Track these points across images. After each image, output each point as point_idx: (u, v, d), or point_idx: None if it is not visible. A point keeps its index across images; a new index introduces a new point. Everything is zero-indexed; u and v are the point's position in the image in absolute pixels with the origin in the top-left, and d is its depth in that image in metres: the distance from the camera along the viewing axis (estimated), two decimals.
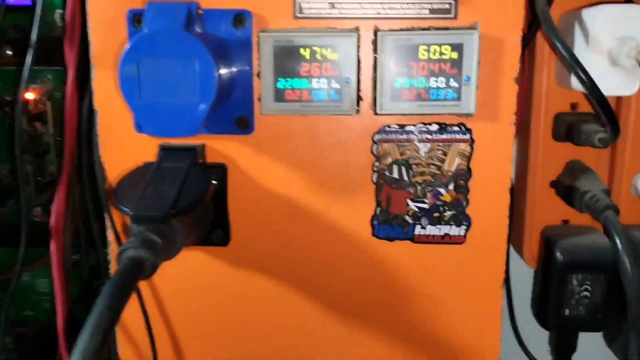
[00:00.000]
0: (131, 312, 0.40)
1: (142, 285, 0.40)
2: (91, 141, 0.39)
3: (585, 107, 0.42)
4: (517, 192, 0.45)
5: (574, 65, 0.35)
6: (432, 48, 0.35)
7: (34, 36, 0.37)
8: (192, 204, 0.33)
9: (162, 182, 0.34)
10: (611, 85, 0.36)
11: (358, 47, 0.36)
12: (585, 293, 0.41)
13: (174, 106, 0.32)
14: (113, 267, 0.40)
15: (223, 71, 0.33)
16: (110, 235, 0.39)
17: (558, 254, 0.41)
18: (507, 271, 0.47)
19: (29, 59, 0.37)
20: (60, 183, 0.39)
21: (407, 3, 0.36)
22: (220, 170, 0.38)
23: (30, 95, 0.43)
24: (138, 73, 0.32)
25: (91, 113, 0.38)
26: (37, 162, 0.45)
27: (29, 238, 0.44)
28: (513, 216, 0.47)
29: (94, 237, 0.43)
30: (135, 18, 0.36)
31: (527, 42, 0.39)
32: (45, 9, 0.42)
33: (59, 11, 0.44)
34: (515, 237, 0.46)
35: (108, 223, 0.39)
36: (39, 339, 0.48)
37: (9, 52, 0.44)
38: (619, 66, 0.36)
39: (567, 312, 0.42)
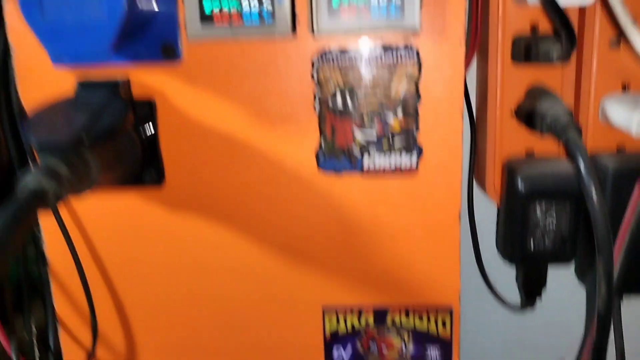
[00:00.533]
0: (63, 259, 0.37)
1: (73, 229, 0.37)
2: (8, 80, 0.36)
3: (544, 27, 0.39)
4: (479, 124, 0.43)
5: None
6: None
7: None
8: (103, 133, 0.30)
9: (74, 113, 0.31)
10: None
11: None
12: (551, 223, 0.39)
13: (80, 24, 0.29)
14: (41, 217, 0.38)
15: None
16: None
17: (521, 182, 0.38)
18: (471, 210, 0.44)
19: None
20: None
21: None
22: (147, 106, 0.35)
23: None
24: None
25: (6, 49, 0.35)
26: None
27: None
28: (475, 149, 0.44)
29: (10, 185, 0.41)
30: None
31: None
32: None
33: None
34: (478, 171, 0.44)
35: (31, 164, 0.37)
36: None
37: None
38: None
39: (532, 244, 0.39)
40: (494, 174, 0.42)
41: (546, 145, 0.41)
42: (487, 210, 0.44)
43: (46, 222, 0.37)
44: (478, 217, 0.44)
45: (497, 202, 0.43)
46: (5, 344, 0.36)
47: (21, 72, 0.35)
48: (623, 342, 0.42)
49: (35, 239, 0.38)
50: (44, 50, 0.34)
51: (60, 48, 0.30)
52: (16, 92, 0.35)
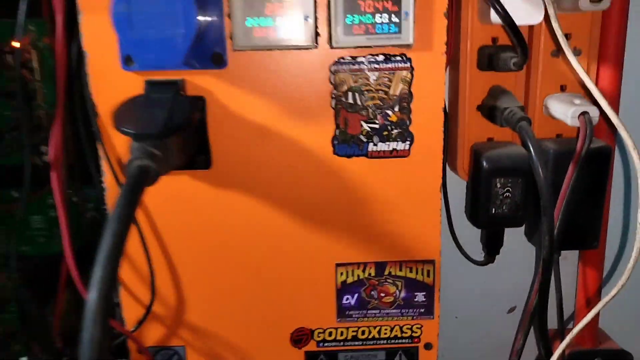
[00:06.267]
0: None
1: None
2: (82, 81, 0.43)
3: (503, 40, 0.51)
4: (450, 117, 0.54)
5: (493, 1, 0.42)
6: None
7: None
8: (182, 124, 0.39)
9: (152, 108, 0.40)
10: (521, 16, 0.44)
11: None
12: (508, 194, 0.50)
13: (161, 39, 0.38)
14: (107, 195, 0.45)
15: (199, 10, 0.39)
16: (104, 165, 0.45)
17: (484, 162, 0.49)
18: (444, 186, 0.55)
19: (21, 12, 0.42)
20: (55, 121, 0.44)
21: None
22: (200, 102, 0.44)
23: (17, 45, 0.47)
24: (129, 11, 0.37)
25: (80, 55, 0.43)
26: (25, 108, 0.49)
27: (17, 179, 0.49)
28: (447, 137, 0.55)
29: (84, 175, 0.48)
30: None
31: None
32: None
33: None
34: (449, 156, 0.54)
35: (102, 154, 0.44)
36: (38, 271, 0.52)
37: None
38: (527, 1, 0.44)
39: (493, 211, 0.51)
40: (463, 156, 0.53)
41: (503, 134, 0.52)
42: (457, 186, 0.55)
43: (112, 199, 0.45)
44: (450, 191, 0.55)
45: (465, 178, 0.54)
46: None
47: (94, 74, 0.43)
48: (561, 286, 0.55)
49: (102, 214, 0.46)
50: (113, 56, 0.42)
51: (145, 57, 0.38)
52: (89, 92, 0.43)
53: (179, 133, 0.39)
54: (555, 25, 0.43)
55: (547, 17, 0.46)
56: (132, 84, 0.43)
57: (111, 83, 0.43)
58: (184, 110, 0.40)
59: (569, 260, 0.61)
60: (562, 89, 0.52)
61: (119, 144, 0.45)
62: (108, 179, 0.45)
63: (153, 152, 0.36)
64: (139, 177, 0.34)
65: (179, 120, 0.39)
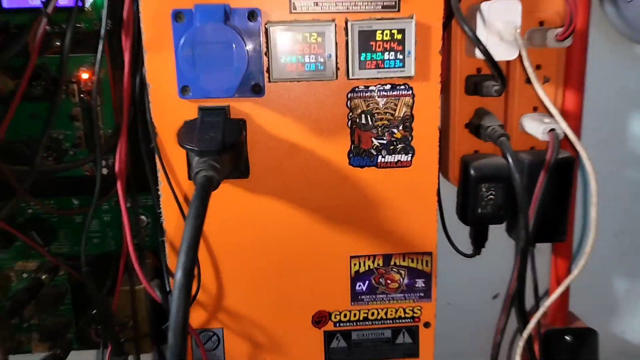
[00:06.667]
0: (175, 229, 0.55)
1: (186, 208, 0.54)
2: (144, 107, 0.53)
3: (485, 70, 0.61)
4: (443, 133, 0.64)
5: (476, 41, 0.53)
6: (385, 32, 0.52)
7: (102, 32, 0.51)
8: (233, 142, 0.48)
9: (208, 129, 0.49)
10: (500, 53, 0.54)
11: (335, 32, 0.52)
12: (491, 197, 0.61)
13: (217, 77, 0.47)
14: (164, 197, 0.55)
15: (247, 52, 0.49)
16: (161, 176, 0.54)
17: (472, 171, 0.60)
18: (439, 191, 0.65)
19: (99, 49, 0.51)
20: (120, 139, 0.53)
21: (367, 1, 0.52)
22: (242, 123, 0.53)
23: (85, 76, 0.56)
24: (193, 54, 0.47)
25: (142, 85, 0.52)
26: (87, 128, 0.58)
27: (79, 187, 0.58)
28: (441, 150, 0.65)
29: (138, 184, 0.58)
30: (177, 15, 0.50)
31: (446, 26, 0.57)
32: (96, 9, 0.55)
33: (103, 11, 0.57)
34: (442, 166, 0.65)
35: (159, 167, 0.54)
36: (93, 267, 0.61)
37: (57, 44, 0.56)
38: (504, 41, 0.54)
39: (479, 211, 0.61)
40: (454, 166, 0.63)
41: (487, 147, 0.63)
42: (449, 191, 0.66)
43: (166, 204, 0.55)
44: (443, 195, 0.65)
45: (456, 184, 0.64)
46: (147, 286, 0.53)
47: (154, 101, 0.52)
48: (536, 273, 0.65)
49: (158, 215, 0.55)
50: (171, 86, 0.52)
51: (204, 90, 0.48)
52: (150, 116, 0.52)
53: (230, 149, 0.49)
54: (526, 63, 0.54)
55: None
56: (186, 109, 0.52)
57: (168, 108, 0.52)
58: (234, 130, 0.50)
59: (542, 252, 0.72)
60: (535, 109, 0.62)
61: (173, 159, 0.54)
62: (163, 187, 0.54)
63: (214, 164, 0.45)
64: (206, 184, 0.44)
65: (231, 139, 0.48)
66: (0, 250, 0.61)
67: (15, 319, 0.59)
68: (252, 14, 0.51)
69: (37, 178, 0.54)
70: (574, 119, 0.64)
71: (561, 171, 0.60)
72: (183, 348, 0.38)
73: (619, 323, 0.79)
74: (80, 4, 0.54)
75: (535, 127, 0.59)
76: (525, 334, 0.59)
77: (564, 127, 0.55)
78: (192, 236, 0.40)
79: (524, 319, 0.62)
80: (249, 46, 0.51)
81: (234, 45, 0.47)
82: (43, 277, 0.61)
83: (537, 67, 0.61)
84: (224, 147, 0.47)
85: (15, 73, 0.56)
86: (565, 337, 0.70)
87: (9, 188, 0.53)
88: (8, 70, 0.56)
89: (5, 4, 0.56)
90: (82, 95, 0.58)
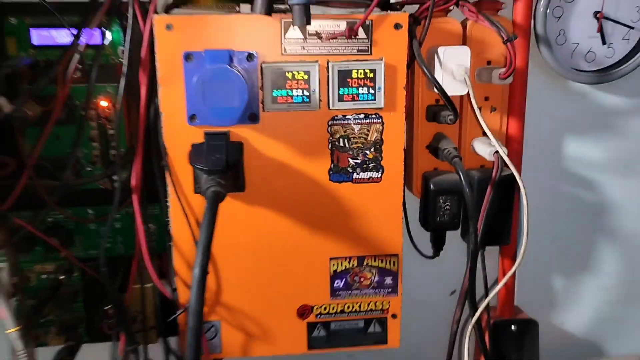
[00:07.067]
0: (181, 235, 0.65)
1: (191, 218, 0.64)
2: (157, 131, 0.62)
3: (443, 102, 0.73)
4: (407, 153, 0.75)
5: (432, 80, 0.65)
6: (359, 71, 0.63)
7: (124, 69, 0.60)
8: (236, 162, 0.59)
9: (214, 151, 0.59)
10: (452, 89, 0.66)
11: (318, 71, 0.63)
12: (447, 207, 0.72)
13: (223, 108, 0.58)
14: (172, 208, 0.64)
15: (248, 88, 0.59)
16: (170, 189, 0.63)
17: (431, 185, 0.71)
18: (404, 202, 0.77)
19: (122, 85, 0.60)
20: (136, 158, 0.62)
21: (344, 47, 0.63)
22: (240, 145, 0.63)
23: (104, 103, 0.66)
24: (203, 90, 0.57)
25: (156, 113, 0.62)
26: (104, 148, 0.67)
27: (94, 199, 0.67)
28: (406, 167, 0.77)
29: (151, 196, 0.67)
30: (187, 56, 0.60)
31: (409, 66, 0.68)
32: (114, 46, 0.65)
33: (120, 48, 0.66)
34: (407, 181, 0.76)
35: (169, 181, 0.63)
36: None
37: (80, 75, 0.66)
38: (456, 79, 0.66)
39: (438, 219, 0.72)
40: (417, 181, 0.75)
41: (444, 165, 0.74)
42: (413, 202, 0.77)
43: (174, 213, 0.64)
44: (408, 206, 0.76)
45: (418, 196, 0.76)
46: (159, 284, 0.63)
47: (166, 127, 0.62)
48: (486, 271, 0.77)
49: (166, 223, 0.65)
50: (181, 114, 0.61)
51: (211, 119, 0.58)
52: (162, 139, 0.62)
53: (232, 168, 0.59)
54: (472, 100, 0.66)
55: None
56: (193, 134, 0.62)
57: (178, 133, 0.62)
58: (235, 153, 0.60)
59: (492, 253, 0.84)
60: (484, 134, 0.74)
61: (180, 175, 0.63)
62: (172, 199, 0.64)
63: (220, 181, 0.56)
64: (216, 198, 0.54)
65: (234, 160, 0.58)
66: (24, 254, 0.70)
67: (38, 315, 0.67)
68: (250, 56, 0.61)
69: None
70: (516, 142, 0.76)
71: (504, 186, 0.72)
72: (200, 328, 0.48)
73: (558, 315, 0.92)
74: (102, 42, 0.64)
75: (484, 149, 0.71)
76: (475, 317, 0.71)
77: (499, 151, 0.67)
78: (206, 240, 0.51)
79: (474, 307, 0.73)
80: (248, 82, 0.61)
81: (236, 84, 0.57)
82: (61, 277, 0.69)
83: (486, 99, 0.73)
84: (227, 167, 0.57)
85: (41, 100, 0.65)
86: (511, 326, 0.82)
87: (34, 199, 0.62)
88: (36, 98, 0.65)
89: (35, 42, 0.65)
90: (100, 121, 0.67)
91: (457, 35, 0.70)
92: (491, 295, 0.70)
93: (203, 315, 0.49)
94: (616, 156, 0.85)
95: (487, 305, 0.78)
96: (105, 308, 0.67)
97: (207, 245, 0.50)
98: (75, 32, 0.60)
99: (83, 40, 0.61)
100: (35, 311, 0.65)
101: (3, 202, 0.60)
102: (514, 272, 0.76)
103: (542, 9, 0.76)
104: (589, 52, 0.79)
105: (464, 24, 0.71)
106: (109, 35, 0.66)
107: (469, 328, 0.72)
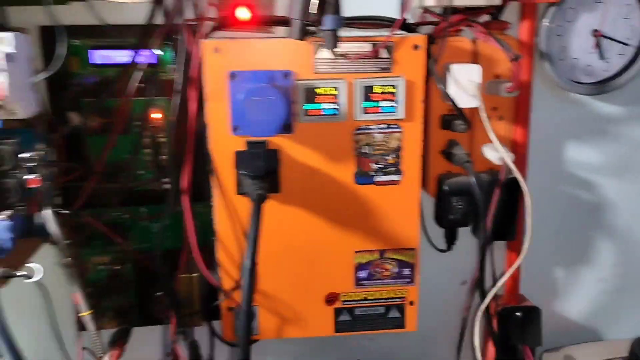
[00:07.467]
0: (225, 231, 0.73)
1: (234, 216, 0.73)
2: (204, 140, 0.71)
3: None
4: (424, 158, 0.83)
5: (446, 96, 0.73)
6: (381, 87, 0.72)
7: (177, 87, 0.69)
8: (274, 167, 0.67)
9: (255, 157, 0.68)
10: (464, 102, 0.74)
11: (346, 87, 0.71)
12: (459, 206, 0.80)
13: (265, 122, 0.66)
14: (216, 207, 0.73)
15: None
16: (214, 190, 0.72)
17: (445, 187, 0.79)
18: (420, 202, 0.85)
19: (175, 99, 0.69)
20: (186, 164, 0.71)
21: (368, 65, 0.72)
22: (276, 152, 0.72)
23: (157, 115, 0.75)
24: (245, 105, 0.65)
25: (203, 124, 0.71)
26: (155, 154, 0.76)
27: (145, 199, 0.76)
28: (423, 171, 0.85)
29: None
30: (232, 75, 0.69)
31: (426, 81, 0.77)
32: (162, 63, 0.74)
33: (170, 66, 0.75)
34: (424, 182, 0.84)
35: (214, 183, 0.72)
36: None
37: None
38: (468, 94, 0.74)
39: (451, 217, 0.81)
40: (432, 183, 0.83)
41: (457, 168, 0.82)
42: (429, 202, 0.85)
43: (218, 211, 0.73)
44: (424, 204, 0.84)
45: (433, 196, 0.84)
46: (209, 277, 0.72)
47: (212, 136, 0.71)
48: (494, 265, 0.85)
49: (210, 220, 0.73)
50: (224, 126, 0.70)
51: (254, 131, 0.66)
52: (208, 146, 0.71)
53: (271, 173, 0.68)
54: (482, 113, 0.74)
55: None
56: (235, 142, 0.71)
57: (222, 142, 0.71)
58: (273, 160, 0.69)
59: (499, 248, 0.92)
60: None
61: (223, 178, 0.72)
62: (216, 199, 0.73)
63: (263, 184, 0.64)
64: (261, 199, 0.63)
65: (273, 165, 0.67)
66: (83, 247, 0.79)
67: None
68: (287, 74, 0.70)
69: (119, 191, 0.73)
70: (522, 147, 0.84)
71: (511, 188, 0.80)
72: (251, 311, 0.57)
73: (559, 303, 1.01)
74: (156, 61, 0.73)
75: (492, 155, 0.79)
76: (484, 304, 0.79)
77: (505, 157, 0.75)
78: (255, 234, 0.59)
79: (483, 297, 0.82)
80: (284, 98, 0.69)
81: (275, 100, 0.66)
82: (116, 268, 0.79)
83: (494, 109, 0.82)
84: (267, 172, 0.66)
85: (100, 112, 0.74)
86: (516, 313, 0.90)
87: (95, 199, 0.71)
88: (96, 110, 0.74)
89: (94, 60, 0.74)
90: (151, 131, 0.76)
91: (468, 52, 0.78)
92: (498, 285, 0.78)
93: (252, 300, 0.58)
94: (612, 160, 0.93)
95: (495, 294, 0.87)
96: (157, 294, 0.76)
97: (256, 240, 0.59)
98: (135, 52, 0.69)
99: (141, 59, 0.70)
100: (96, 298, 0.74)
101: (71, 203, 0.69)
102: (519, 264, 0.84)
103: (545, 28, 0.84)
104: (587, 66, 0.87)
105: (474, 42, 0.79)
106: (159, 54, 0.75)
107: (479, 314, 0.81)
